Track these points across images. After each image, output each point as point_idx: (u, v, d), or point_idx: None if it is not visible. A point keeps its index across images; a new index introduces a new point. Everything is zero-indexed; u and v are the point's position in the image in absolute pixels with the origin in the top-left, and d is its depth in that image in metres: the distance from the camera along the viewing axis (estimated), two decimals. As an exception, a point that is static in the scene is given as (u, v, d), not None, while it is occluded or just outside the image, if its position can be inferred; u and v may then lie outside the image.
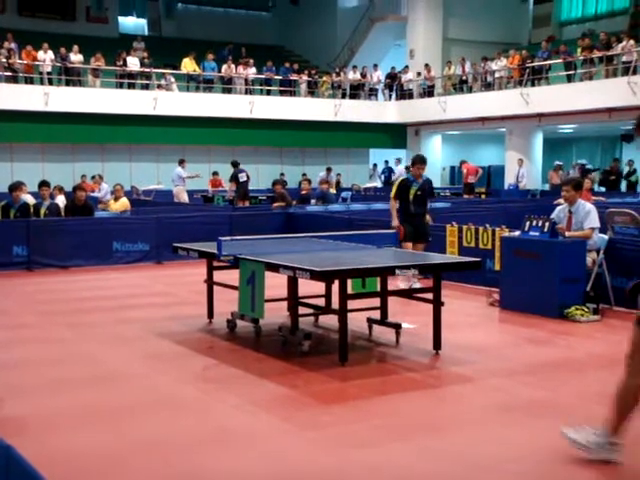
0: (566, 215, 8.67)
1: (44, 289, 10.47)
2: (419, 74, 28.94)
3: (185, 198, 21.03)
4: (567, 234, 8.49)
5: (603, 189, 23.61)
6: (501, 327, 8.30)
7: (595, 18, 30.87)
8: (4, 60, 23.55)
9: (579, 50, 23.66)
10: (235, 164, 20.17)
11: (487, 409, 5.29)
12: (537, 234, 8.46)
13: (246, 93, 26.96)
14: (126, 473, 4.21)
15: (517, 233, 8.99)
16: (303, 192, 16.48)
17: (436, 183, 28.44)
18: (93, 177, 21.60)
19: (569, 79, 23.58)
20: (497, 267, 9.58)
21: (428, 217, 10.37)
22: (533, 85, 24.64)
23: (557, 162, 25.09)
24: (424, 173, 10.29)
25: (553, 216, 8.69)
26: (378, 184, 27.56)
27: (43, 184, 12.82)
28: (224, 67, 26.74)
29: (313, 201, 16.42)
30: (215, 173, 23.65)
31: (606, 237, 8.77)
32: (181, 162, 21.60)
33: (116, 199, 15.42)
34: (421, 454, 4.46)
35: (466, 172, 24.15)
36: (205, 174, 23.66)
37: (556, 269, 8.17)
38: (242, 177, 19.62)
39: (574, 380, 6.09)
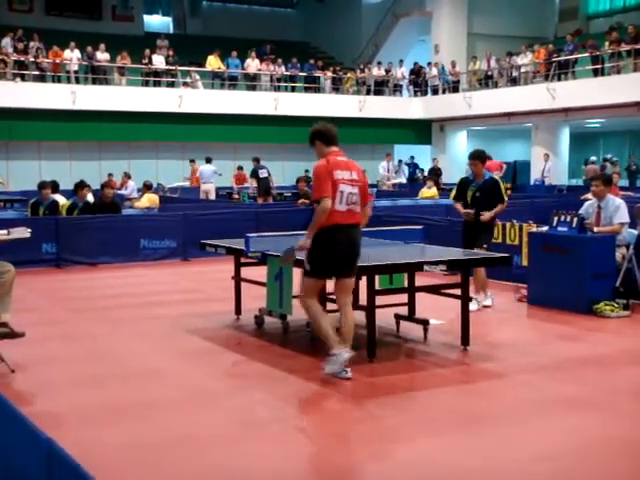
0: (595, 210, 8.60)
1: (73, 286, 10.57)
2: (436, 64, 28.70)
3: (213, 195, 21.17)
4: (596, 229, 8.41)
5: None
6: (529, 323, 8.26)
7: (623, 11, 30.49)
8: (32, 59, 23.81)
9: (607, 44, 23.40)
10: (257, 160, 20.21)
11: (517, 405, 5.27)
12: (565, 229, 8.40)
13: (271, 90, 27.01)
14: (158, 466, 4.25)
15: (545, 228, 8.93)
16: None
17: (461, 179, 28.39)
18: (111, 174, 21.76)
19: (596, 73, 23.35)
20: (525, 263, 9.53)
21: (486, 215, 8.39)
22: (559, 80, 24.42)
23: (592, 158, 24.85)
24: (484, 171, 8.77)
25: (582, 211, 8.62)
26: (403, 180, 27.47)
27: (82, 184, 12.81)
28: (247, 62, 26.74)
29: None
30: (240, 168, 23.69)
31: (636, 232, 8.68)
32: (209, 160, 21.68)
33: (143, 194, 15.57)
34: (451, 450, 4.45)
35: (487, 169, 23.77)
36: (230, 171, 23.74)
37: (585, 265, 8.11)
38: (262, 173, 19.62)
39: (604, 376, 6.04)
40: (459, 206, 8.70)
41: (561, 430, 4.74)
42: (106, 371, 6.14)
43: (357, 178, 5.73)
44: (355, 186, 5.69)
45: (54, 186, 13.32)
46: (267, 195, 19.33)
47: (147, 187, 16.99)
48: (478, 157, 8.66)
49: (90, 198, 13.11)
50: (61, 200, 12.81)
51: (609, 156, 28.30)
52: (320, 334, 5.82)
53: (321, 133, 5.84)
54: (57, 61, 24.28)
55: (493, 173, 23.40)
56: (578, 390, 5.60)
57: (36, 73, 23.94)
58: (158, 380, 5.91)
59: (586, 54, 23.80)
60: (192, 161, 23.24)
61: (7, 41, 23.97)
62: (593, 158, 24.86)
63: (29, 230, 6.24)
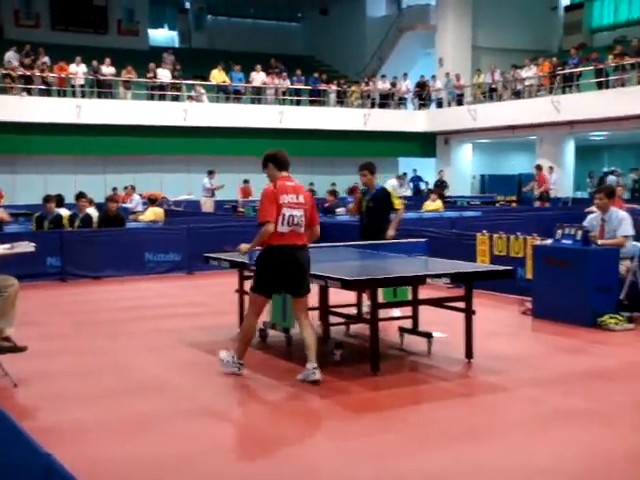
0: (599, 223, 8.59)
1: (78, 300, 10.57)
2: (447, 75, 28.81)
3: (209, 208, 21.19)
4: (600, 242, 8.40)
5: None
6: (534, 336, 8.23)
7: (627, 24, 30.54)
8: (38, 74, 23.93)
9: (610, 57, 23.44)
10: None
11: (522, 419, 5.25)
12: (569, 242, 8.39)
13: (276, 103, 27.10)
14: (160, 482, 4.24)
15: (549, 241, 8.92)
16: (326, 204, 16.57)
17: (466, 192, 28.38)
18: (126, 187, 21.85)
19: (600, 86, 23.37)
20: (529, 276, 9.51)
21: (390, 232, 8.78)
22: (564, 92, 24.44)
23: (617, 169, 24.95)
24: (375, 181, 8.95)
25: (585, 224, 8.61)
26: (408, 193, 27.49)
27: (81, 196, 12.94)
28: (252, 75, 26.83)
29: (340, 210, 16.49)
30: (246, 181, 23.73)
31: (640, 245, 8.67)
32: (210, 173, 21.75)
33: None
34: (455, 464, 4.43)
35: (541, 181, 23.03)
36: (235, 184, 23.80)
37: (589, 277, 8.09)
38: None
39: (610, 389, 6.01)
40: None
41: (566, 444, 4.72)
42: (110, 385, 6.13)
43: (303, 202, 6.15)
44: (300, 209, 6.11)
45: (59, 200, 13.36)
46: None
47: (152, 201, 17.02)
48: (366, 167, 8.90)
49: (92, 211, 13.13)
50: (65, 214, 12.84)
51: (613, 168, 28.36)
52: (239, 339, 6.37)
53: (275, 158, 6.26)
54: (62, 75, 24.40)
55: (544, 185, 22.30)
56: (583, 403, 5.58)
57: (42, 87, 24.04)
58: (162, 394, 5.90)
59: (590, 67, 23.83)
60: (132, 187, 22.65)
61: (13, 55, 24.11)
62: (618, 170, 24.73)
63: (32, 244, 6.25)
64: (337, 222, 15.07)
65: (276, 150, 6.36)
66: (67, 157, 24.51)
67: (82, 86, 24.62)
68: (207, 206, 21.36)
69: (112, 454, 4.58)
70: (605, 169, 29.68)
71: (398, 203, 8.96)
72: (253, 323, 6.29)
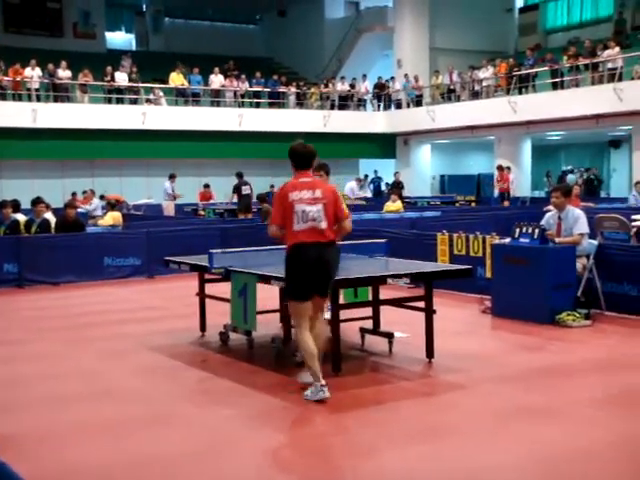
0: (555, 221, 8.72)
1: (36, 306, 10.42)
2: (406, 76, 29.00)
3: (170, 212, 21.06)
4: (557, 240, 8.53)
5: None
6: (493, 334, 8.33)
7: (580, 26, 31.10)
8: (-9, 77, 23.57)
9: (565, 58, 23.81)
10: (240, 175, 20.07)
11: (482, 416, 5.31)
12: (527, 241, 8.50)
13: (235, 106, 27.02)
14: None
15: (507, 240, 9.02)
16: None
17: (426, 192, 28.60)
18: (85, 192, 21.60)
19: (556, 87, 23.72)
20: (488, 274, 9.61)
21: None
22: (520, 93, 24.75)
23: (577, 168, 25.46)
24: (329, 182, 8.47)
25: (543, 222, 8.73)
26: (368, 194, 27.62)
27: (38, 201, 12.76)
28: (211, 78, 26.74)
29: None
30: (206, 186, 23.59)
31: (596, 242, 8.82)
32: (171, 177, 21.60)
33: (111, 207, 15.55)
34: (418, 462, 4.47)
35: (503, 180, 23.24)
36: (195, 187, 23.67)
37: (546, 275, 8.20)
38: (245, 190, 19.51)
39: (567, 385, 6.11)
40: None
41: (526, 440, 4.78)
42: (70, 390, 6.07)
43: (320, 196, 5.78)
44: (317, 204, 5.74)
45: (15, 205, 13.16)
46: (247, 212, 19.10)
47: (111, 205, 16.85)
48: (322, 168, 8.77)
49: (50, 216, 12.96)
50: (22, 219, 12.65)
51: (570, 167, 28.84)
52: (306, 364, 5.73)
53: (291, 155, 5.99)
54: (17, 79, 24.03)
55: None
56: (542, 400, 5.65)
57: (-4, 91, 23.69)
58: (123, 399, 5.85)
59: (545, 68, 24.17)
60: (91, 191, 22.25)
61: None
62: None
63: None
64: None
65: (298, 146, 6.03)
66: (24, 161, 24.17)
67: (37, 90, 24.28)
68: (169, 210, 21.23)
69: (69, 461, 4.52)
70: (563, 168, 30.19)
71: (344, 208, 8.75)
72: (305, 338, 5.67)
